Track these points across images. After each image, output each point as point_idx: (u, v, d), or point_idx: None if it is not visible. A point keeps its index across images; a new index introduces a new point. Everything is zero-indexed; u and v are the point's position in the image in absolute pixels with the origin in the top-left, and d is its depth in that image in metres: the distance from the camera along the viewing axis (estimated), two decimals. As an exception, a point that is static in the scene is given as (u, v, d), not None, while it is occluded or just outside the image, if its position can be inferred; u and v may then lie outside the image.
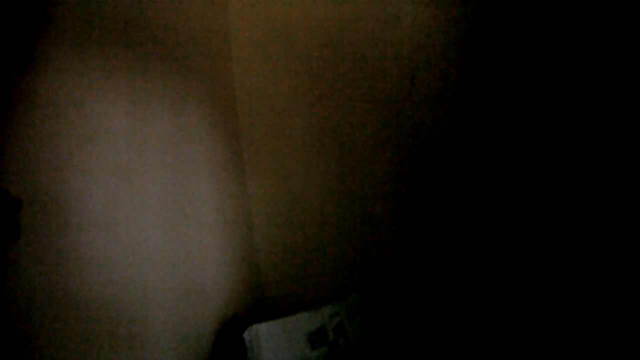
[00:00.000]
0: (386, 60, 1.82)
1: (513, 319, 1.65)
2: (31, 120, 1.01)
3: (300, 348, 1.43)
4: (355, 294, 1.59)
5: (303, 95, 1.90)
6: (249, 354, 1.41)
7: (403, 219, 1.78)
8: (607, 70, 1.58)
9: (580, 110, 1.61)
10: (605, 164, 1.58)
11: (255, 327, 1.42)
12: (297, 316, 1.45)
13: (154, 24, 1.51)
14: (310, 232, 1.89)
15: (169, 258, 1.44)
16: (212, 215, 1.70)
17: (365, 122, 1.80)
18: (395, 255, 1.80)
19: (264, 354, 1.40)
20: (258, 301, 1.89)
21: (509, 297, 1.66)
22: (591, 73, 1.59)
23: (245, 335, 1.42)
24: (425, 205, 1.75)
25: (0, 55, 0.96)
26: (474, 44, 1.69)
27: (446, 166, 1.72)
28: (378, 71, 1.83)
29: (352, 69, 1.86)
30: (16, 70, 0.99)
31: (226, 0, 1.99)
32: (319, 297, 1.85)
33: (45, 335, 0.99)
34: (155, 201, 1.42)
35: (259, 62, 1.97)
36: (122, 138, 1.30)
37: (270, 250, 1.94)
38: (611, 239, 1.55)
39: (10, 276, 0.91)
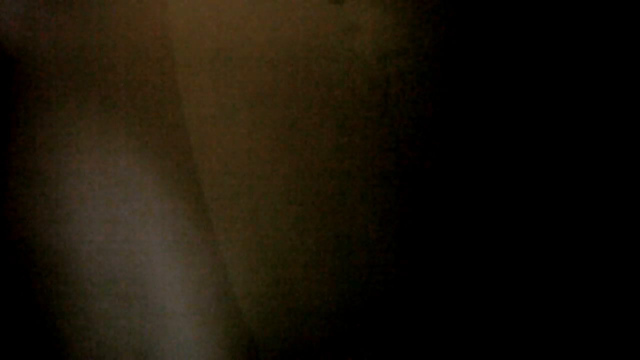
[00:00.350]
0: (352, 75, 1.61)
1: None
2: None
3: None
4: None
5: (264, 131, 1.67)
6: None
7: (395, 262, 1.56)
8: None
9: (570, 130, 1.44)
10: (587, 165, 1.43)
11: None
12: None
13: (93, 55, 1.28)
14: (300, 288, 1.64)
15: None
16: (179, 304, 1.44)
17: (338, 155, 1.58)
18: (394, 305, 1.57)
19: None
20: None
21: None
22: (584, 78, 1.43)
23: None
24: (420, 247, 1.53)
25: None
26: (452, 47, 1.49)
27: (440, 194, 1.51)
28: (344, 89, 1.61)
29: (315, 90, 1.64)
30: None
31: (166, 32, 1.74)
32: None
33: None
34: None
35: (210, 92, 1.73)
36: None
37: (262, 324, 1.68)
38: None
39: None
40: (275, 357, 1.68)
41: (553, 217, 1.49)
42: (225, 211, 1.69)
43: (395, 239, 1.57)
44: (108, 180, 1.39)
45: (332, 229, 1.62)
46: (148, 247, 1.48)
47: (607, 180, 1.43)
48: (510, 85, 1.49)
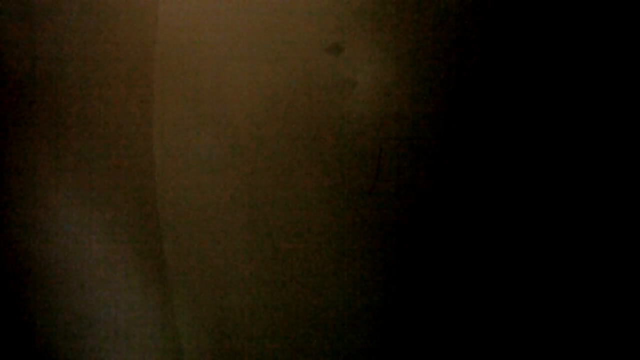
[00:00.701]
0: (344, 137, 1.40)
1: None
2: None
3: None
4: None
5: (238, 197, 1.47)
6: None
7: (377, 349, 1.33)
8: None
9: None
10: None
11: None
12: None
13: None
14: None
15: None
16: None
17: (318, 232, 1.36)
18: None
19: None
20: None
21: None
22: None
23: None
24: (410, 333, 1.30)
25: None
26: (455, 115, 1.28)
27: (430, 281, 1.27)
28: (335, 154, 1.40)
29: (303, 153, 1.44)
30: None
31: (150, 77, 1.58)
32: None
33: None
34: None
35: (182, 148, 1.55)
36: None
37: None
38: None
39: None
40: None
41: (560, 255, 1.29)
42: (183, 268, 1.50)
43: (377, 324, 1.33)
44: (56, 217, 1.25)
45: (306, 306, 1.40)
46: (98, 297, 1.32)
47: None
48: (517, 159, 1.26)
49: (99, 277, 1.34)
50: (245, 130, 1.46)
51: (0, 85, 1.21)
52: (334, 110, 1.41)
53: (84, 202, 1.36)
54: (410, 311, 1.31)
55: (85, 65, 1.39)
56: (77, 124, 1.36)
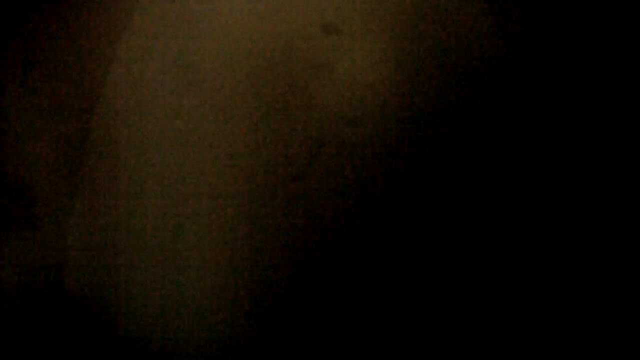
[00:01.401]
0: (299, 119, 1.31)
1: None
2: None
3: None
4: None
5: (174, 154, 1.41)
6: None
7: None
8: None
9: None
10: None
11: None
12: None
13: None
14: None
15: None
16: None
17: (241, 203, 1.27)
18: None
19: None
20: None
21: None
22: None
23: None
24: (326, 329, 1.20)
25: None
26: (427, 117, 1.16)
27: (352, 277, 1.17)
28: (282, 134, 1.31)
29: (267, 124, 1.37)
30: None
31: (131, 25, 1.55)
32: None
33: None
34: None
35: (146, 85, 1.50)
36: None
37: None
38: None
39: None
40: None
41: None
42: (103, 185, 1.45)
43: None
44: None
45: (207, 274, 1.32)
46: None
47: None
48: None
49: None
50: (203, 93, 1.40)
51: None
52: (301, 91, 1.32)
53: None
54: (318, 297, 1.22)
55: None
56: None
